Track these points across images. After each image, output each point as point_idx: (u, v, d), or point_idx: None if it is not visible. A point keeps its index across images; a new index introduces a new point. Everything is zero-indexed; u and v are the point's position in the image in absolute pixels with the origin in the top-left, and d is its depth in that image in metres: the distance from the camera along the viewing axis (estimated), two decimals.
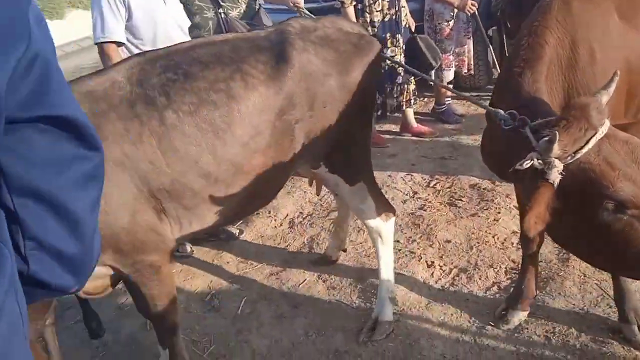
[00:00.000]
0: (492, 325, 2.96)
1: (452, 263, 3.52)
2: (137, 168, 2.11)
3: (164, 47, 2.46)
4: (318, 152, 2.62)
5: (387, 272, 3.11)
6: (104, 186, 1.90)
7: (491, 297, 3.19)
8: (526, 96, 2.28)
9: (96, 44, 3.49)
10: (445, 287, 3.32)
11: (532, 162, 1.85)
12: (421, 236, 3.82)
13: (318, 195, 3.87)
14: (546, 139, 1.85)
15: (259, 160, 2.36)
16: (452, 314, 3.09)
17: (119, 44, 3.47)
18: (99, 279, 2.33)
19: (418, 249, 3.69)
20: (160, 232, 2.27)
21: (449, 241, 3.73)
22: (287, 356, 2.98)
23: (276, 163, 2.43)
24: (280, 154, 2.43)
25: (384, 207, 3.00)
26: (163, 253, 2.33)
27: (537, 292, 3.02)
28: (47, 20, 0.83)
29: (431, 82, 3.69)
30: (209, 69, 2.26)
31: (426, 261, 3.56)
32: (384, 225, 3.00)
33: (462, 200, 4.20)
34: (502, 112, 2.18)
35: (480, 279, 3.34)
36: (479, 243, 3.66)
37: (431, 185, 4.51)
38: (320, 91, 2.45)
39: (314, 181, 3.23)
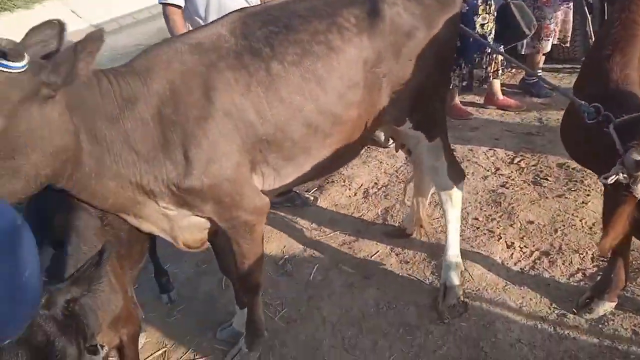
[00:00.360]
0: (574, 314, 2.81)
1: (533, 245, 3.36)
2: (244, 118, 2.16)
3: (260, 5, 2.54)
4: (403, 106, 2.63)
5: (453, 236, 3.11)
6: (213, 135, 2.08)
7: (575, 284, 3.02)
8: (613, 85, 2.08)
9: (160, 3, 3.60)
10: (525, 270, 3.18)
11: (616, 177, 1.74)
12: (501, 215, 3.67)
13: (397, 152, 3.78)
14: (633, 155, 1.70)
15: (353, 112, 2.41)
16: (531, 299, 2.96)
17: (178, 6, 3.54)
18: (198, 231, 2.40)
19: (497, 228, 3.54)
20: (256, 187, 2.32)
21: (531, 222, 3.55)
22: (357, 326, 2.99)
23: (367, 116, 2.50)
24: (370, 106, 2.48)
25: (455, 168, 3.04)
26: (259, 212, 2.38)
27: (627, 282, 2.83)
28: None
29: (510, 59, 3.40)
30: (308, 22, 2.31)
31: (505, 241, 3.42)
32: (454, 187, 3.02)
33: (548, 180, 3.97)
34: (585, 104, 2.03)
35: (563, 264, 3.17)
36: (564, 226, 3.46)
37: (515, 161, 4.30)
38: (406, 44, 2.47)
39: (392, 141, 3.22)
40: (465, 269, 3.17)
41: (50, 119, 1.77)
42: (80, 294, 1.54)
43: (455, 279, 3.03)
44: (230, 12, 2.39)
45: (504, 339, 2.74)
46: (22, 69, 1.64)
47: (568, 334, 2.71)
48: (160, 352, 3.00)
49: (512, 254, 3.32)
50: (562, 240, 3.35)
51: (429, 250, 3.47)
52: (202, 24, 3.40)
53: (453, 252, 3.10)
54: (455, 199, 3.04)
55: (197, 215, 2.28)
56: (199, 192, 2.15)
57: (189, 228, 2.35)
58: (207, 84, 2.11)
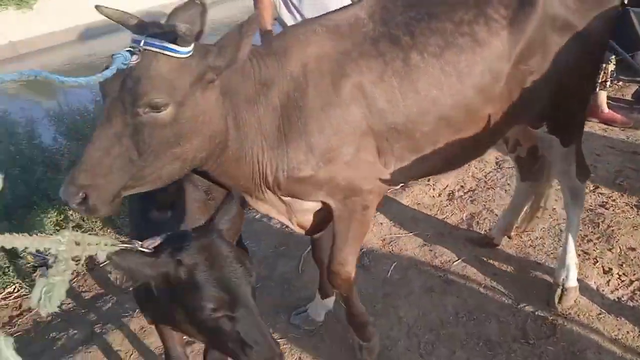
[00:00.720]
0: None
1: (634, 274, 3.10)
2: (373, 106, 2.10)
3: None
4: (543, 107, 2.47)
5: (574, 236, 2.97)
6: (338, 122, 2.05)
7: None
8: None
9: None
10: (623, 299, 2.95)
11: None
12: (599, 237, 3.42)
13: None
14: None
15: (490, 109, 2.29)
16: (627, 332, 2.74)
17: None
18: (310, 212, 2.36)
19: (594, 250, 3.31)
20: (378, 173, 2.24)
21: (633, 249, 3.29)
22: (435, 332, 2.89)
23: (504, 115, 2.34)
24: (509, 105, 2.32)
25: (583, 168, 2.85)
26: (376, 194, 2.31)
27: None
28: None
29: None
30: (453, 10, 2.19)
31: (602, 266, 3.19)
32: (581, 187, 2.89)
33: None
34: None
35: None
36: None
37: (617, 181, 4.00)
38: (557, 41, 2.29)
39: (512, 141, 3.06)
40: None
41: (210, 104, 1.79)
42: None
43: (574, 280, 2.91)
44: None
45: None
46: (189, 54, 1.66)
47: None
48: None
49: (609, 280, 3.09)
50: None
51: (516, 264, 3.29)
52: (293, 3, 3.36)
53: (573, 252, 2.94)
54: (580, 199, 2.93)
55: (313, 200, 2.25)
56: (314, 180, 2.11)
57: (303, 211, 2.33)
58: (339, 70, 2.06)
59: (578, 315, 2.88)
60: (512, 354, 2.70)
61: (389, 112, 2.12)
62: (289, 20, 3.40)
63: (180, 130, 1.71)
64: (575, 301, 2.93)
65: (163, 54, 1.63)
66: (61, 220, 4.10)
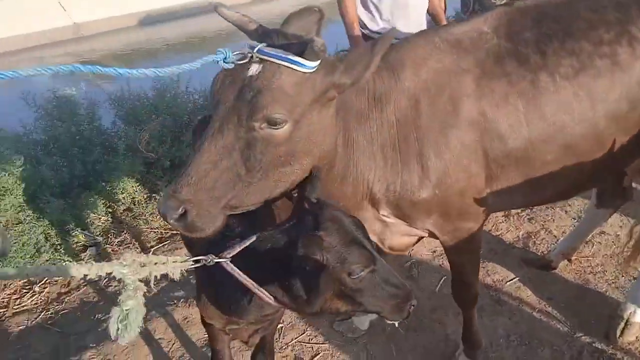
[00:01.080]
0: None
1: None
2: (492, 130, 1.95)
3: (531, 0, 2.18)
4: None
5: None
6: (455, 145, 1.90)
7: None
8: None
9: None
10: None
11: None
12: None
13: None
14: None
15: (621, 139, 2.08)
16: None
17: None
18: (409, 237, 2.26)
19: None
20: (487, 200, 2.09)
21: None
22: (483, 354, 2.77)
23: (633, 145, 2.12)
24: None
25: None
26: (481, 220, 2.18)
27: None
28: None
29: None
30: (591, 28, 2.00)
31: None
32: None
33: None
34: None
35: None
36: None
37: None
38: None
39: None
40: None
41: (326, 122, 1.68)
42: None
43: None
44: (497, 6, 2.15)
45: None
46: (314, 69, 1.54)
47: None
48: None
49: None
50: None
51: (574, 290, 3.14)
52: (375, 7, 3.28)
53: None
54: None
55: (415, 227, 2.13)
56: (426, 205, 1.99)
57: (400, 233, 2.21)
58: (459, 89, 1.92)
59: (638, 351, 2.71)
60: None
61: (510, 138, 1.96)
62: (366, 19, 3.33)
63: (294, 149, 1.59)
64: (636, 337, 2.77)
65: (287, 66, 1.50)
66: (112, 203, 4.18)
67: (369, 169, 1.90)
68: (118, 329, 1.22)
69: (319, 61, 1.52)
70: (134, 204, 4.29)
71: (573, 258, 3.30)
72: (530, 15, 2.03)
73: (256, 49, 1.51)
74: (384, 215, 2.06)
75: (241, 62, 1.51)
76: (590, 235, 3.37)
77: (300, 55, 1.49)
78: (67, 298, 3.37)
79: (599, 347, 2.75)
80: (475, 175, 2.00)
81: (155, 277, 1.46)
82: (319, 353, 2.85)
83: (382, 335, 2.93)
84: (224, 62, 1.52)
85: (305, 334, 2.94)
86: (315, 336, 2.93)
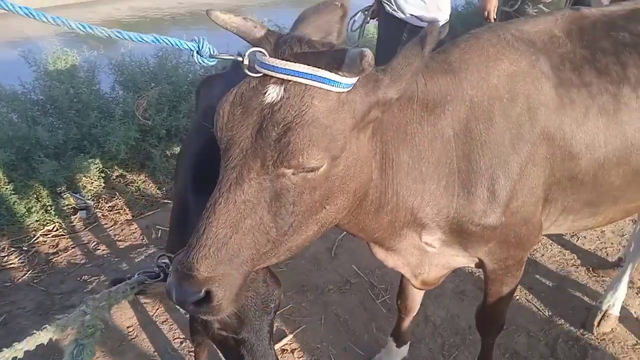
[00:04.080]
0: None
1: None
2: (567, 148, 1.69)
3: (598, 8, 1.97)
4: None
5: (634, 266, 2.84)
6: (526, 164, 1.63)
7: None
8: None
9: None
10: None
11: None
12: None
13: None
14: None
15: None
16: None
17: None
18: (446, 269, 1.99)
19: (639, 280, 3.17)
20: (540, 226, 1.85)
21: None
22: (461, 336, 2.83)
23: None
24: None
25: None
26: (532, 248, 1.99)
27: None
28: None
29: None
30: None
31: None
32: None
33: None
34: None
35: None
36: None
37: None
38: None
39: None
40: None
41: (362, 149, 1.35)
42: None
43: (619, 309, 2.82)
44: (559, 10, 1.93)
45: None
46: (352, 86, 1.21)
47: None
48: None
49: None
50: None
51: (555, 280, 3.19)
52: None
53: (627, 281, 2.83)
54: None
55: (463, 256, 1.85)
56: (488, 232, 1.69)
57: (439, 266, 1.92)
58: (537, 97, 1.64)
59: (613, 342, 2.77)
60: None
61: (584, 158, 1.72)
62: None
63: (330, 189, 1.27)
64: (612, 329, 2.82)
65: (318, 87, 1.17)
66: (106, 169, 4.19)
67: (414, 193, 1.57)
68: None
69: (357, 77, 1.20)
70: (127, 171, 4.31)
71: (556, 250, 3.34)
72: (601, 22, 1.83)
73: (284, 69, 1.16)
74: (427, 243, 1.76)
75: (277, 90, 1.18)
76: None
77: (334, 71, 1.16)
78: (55, 259, 3.40)
79: (575, 335, 2.81)
80: (539, 199, 1.74)
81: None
82: (302, 326, 2.89)
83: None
84: (198, 54, 1.24)
85: (288, 306, 2.98)
86: (299, 310, 2.98)
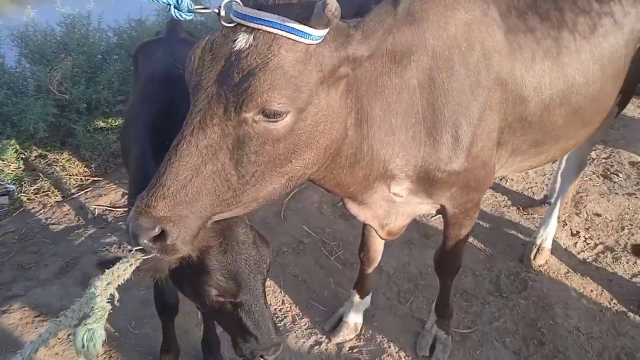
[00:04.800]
0: (634, 313, 2.79)
1: (598, 238, 3.30)
2: (517, 92, 1.77)
3: None
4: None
5: (563, 203, 3.15)
6: (483, 109, 1.68)
7: (638, 284, 2.98)
8: None
9: None
10: (588, 260, 3.13)
11: None
12: (570, 201, 3.58)
13: None
14: None
15: (615, 95, 2.09)
16: (591, 290, 2.93)
17: None
18: (409, 218, 2.06)
19: (563, 214, 3.47)
20: (494, 168, 1.95)
21: (598, 214, 3.48)
22: (414, 282, 2.98)
23: (622, 96, 2.16)
24: (629, 84, 2.13)
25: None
26: (486, 190, 2.06)
27: None
28: None
29: None
30: None
31: (571, 229, 3.37)
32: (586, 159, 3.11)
33: (618, 176, 3.87)
34: None
35: (627, 262, 3.12)
36: (632, 225, 3.39)
37: None
38: None
39: None
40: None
41: (334, 105, 1.35)
42: None
43: (550, 242, 3.07)
44: None
45: (562, 324, 2.73)
46: (321, 39, 1.22)
47: (627, 331, 2.70)
48: None
49: (576, 242, 3.27)
50: (629, 239, 3.28)
51: (491, 222, 3.42)
52: None
53: (557, 217, 3.10)
54: (582, 170, 3.15)
55: (427, 203, 1.92)
56: (452, 177, 1.76)
57: (404, 215, 1.99)
58: (492, 44, 1.69)
59: (548, 273, 3.04)
60: (487, 306, 2.84)
61: (532, 101, 1.81)
62: None
63: (295, 143, 1.28)
64: (546, 261, 3.09)
65: (287, 37, 1.18)
66: (23, 150, 3.88)
67: (385, 145, 1.61)
68: (84, 346, 1.16)
69: (327, 29, 1.20)
70: (47, 150, 4.01)
71: (489, 193, 3.58)
72: None
73: (238, 12, 1.18)
74: (395, 194, 1.81)
75: (245, 38, 1.19)
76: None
77: (304, 22, 1.17)
78: None
79: (515, 270, 3.05)
80: (494, 142, 1.83)
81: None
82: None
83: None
84: (175, 9, 1.23)
85: None
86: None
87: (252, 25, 1.18)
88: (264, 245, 1.58)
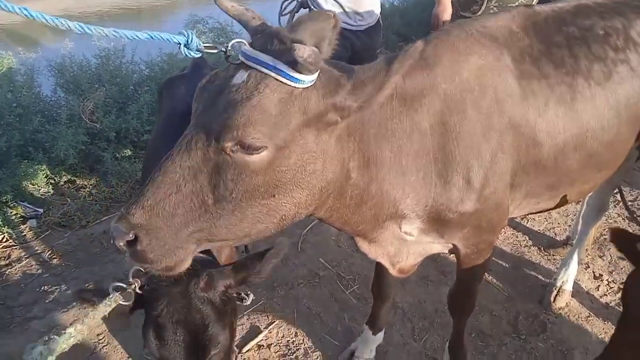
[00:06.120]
0: None
1: (622, 282, 3.19)
2: (531, 136, 1.80)
3: (547, 4, 2.09)
4: None
5: (584, 245, 3.10)
6: (495, 151, 1.72)
7: None
8: None
9: None
10: (611, 304, 3.05)
11: None
12: (592, 243, 3.52)
13: None
14: None
15: (632, 142, 2.08)
16: None
17: None
18: (421, 257, 2.05)
19: (587, 256, 3.40)
20: (508, 210, 1.96)
21: (622, 258, 3.38)
22: (429, 320, 2.94)
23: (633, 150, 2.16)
24: None
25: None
26: (500, 231, 2.07)
27: None
28: None
29: None
30: (607, 34, 1.97)
31: (593, 272, 3.29)
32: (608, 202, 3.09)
33: None
34: None
35: None
36: None
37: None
38: None
39: None
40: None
41: (327, 149, 1.40)
42: (238, 282, 1.60)
43: (571, 284, 3.02)
44: (514, 6, 2.04)
45: None
46: (310, 84, 1.29)
47: None
48: None
49: (599, 286, 3.18)
50: None
51: (510, 261, 3.37)
52: None
53: (577, 259, 3.04)
54: (604, 213, 3.13)
55: (439, 243, 1.94)
56: (464, 219, 1.78)
57: (416, 254, 2.01)
58: (504, 89, 1.74)
59: (568, 316, 2.96)
60: (503, 347, 2.77)
61: (546, 145, 1.83)
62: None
63: (279, 179, 1.32)
64: (566, 303, 3.02)
65: (275, 78, 1.26)
66: (53, 175, 4.01)
67: (395, 186, 1.64)
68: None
69: (315, 75, 1.27)
70: (76, 176, 4.15)
71: (510, 232, 3.53)
72: (552, 18, 1.96)
73: (242, 51, 1.28)
74: (406, 233, 1.82)
75: (243, 76, 1.28)
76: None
77: (290, 65, 1.23)
78: (8, 270, 3.23)
79: (534, 312, 2.98)
80: (507, 185, 1.84)
81: None
82: (275, 321, 2.90)
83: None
84: (185, 47, 1.30)
85: (260, 303, 2.99)
86: (271, 306, 2.98)
87: (249, 63, 1.28)
88: (217, 322, 1.53)
